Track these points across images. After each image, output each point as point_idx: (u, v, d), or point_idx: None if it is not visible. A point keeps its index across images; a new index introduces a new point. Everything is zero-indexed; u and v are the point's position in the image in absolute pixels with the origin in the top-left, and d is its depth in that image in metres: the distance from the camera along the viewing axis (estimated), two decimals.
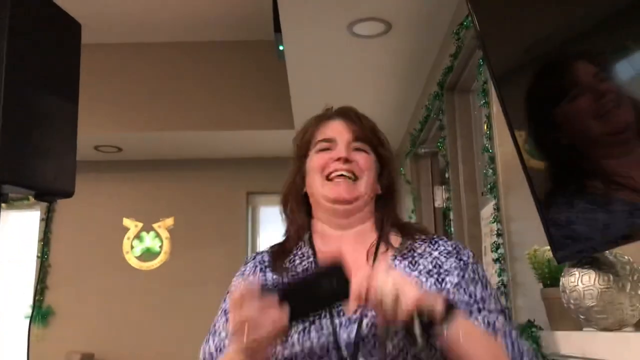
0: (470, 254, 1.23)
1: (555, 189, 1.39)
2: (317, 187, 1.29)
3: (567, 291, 1.37)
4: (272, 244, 1.37)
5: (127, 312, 4.95)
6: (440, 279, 1.17)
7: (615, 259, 1.31)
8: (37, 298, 4.82)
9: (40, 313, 4.82)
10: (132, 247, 5.14)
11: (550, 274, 1.62)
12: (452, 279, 1.16)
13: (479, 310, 1.13)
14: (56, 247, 5.02)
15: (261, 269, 1.29)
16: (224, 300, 1.30)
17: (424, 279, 1.17)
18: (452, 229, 3.00)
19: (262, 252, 1.35)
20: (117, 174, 5.23)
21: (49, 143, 1.84)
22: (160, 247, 5.15)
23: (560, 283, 1.42)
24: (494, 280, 2.20)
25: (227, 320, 1.23)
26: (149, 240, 5.16)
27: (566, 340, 1.51)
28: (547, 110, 1.33)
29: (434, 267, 1.19)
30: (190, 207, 5.20)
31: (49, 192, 1.90)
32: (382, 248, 1.25)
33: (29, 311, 4.72)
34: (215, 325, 1.27)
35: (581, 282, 1.33)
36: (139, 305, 4.98)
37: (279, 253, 1.31)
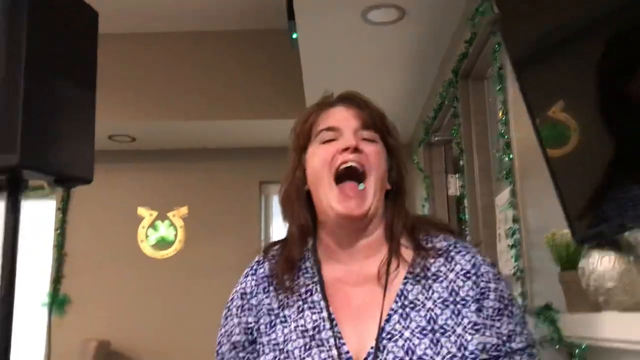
0: (491, 273, 1.13)
1: (581, 171, 1.37)
2: (325, 190, 1.16)
3: (587, 273, 1.38)
4: (274, 244, 1.26)
5: (142, 300, 5.01)
6: (456, 311, 1.09)
7: (635, 240, 1.31)
8: (53, 287, 4.88)
9: (57, 301, 4.88)
10: (147, 236, 5.19)
11: (569, 256, 1.62)
12: (471, 315, 1.08)
13: (506, 354, 1.08)
14: (72, 236, 5.08)
15: (264, 289, 1.20)
16: (225, 318, 1.23)
17: (438, 312, 1.09)
18: (467, 217, 3.01)
19: (263, 261, 1.24)
20: (132, 163, 5.26)
21: (68, 130, 1.86)
22: (175, 235, 5.19)
23: (580, 265, 1.42)
24: (510, 265, 2.21)
25: (232, 347, 1.19)
26: (164, 229, 5.20)
27: (585, 322, 1.51)
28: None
29: (450, 294, 1.10)
30: (204, 196, 5.24)
31: (68, 178, 1.93)
32: (393, 264, 1.15)
33: (47, 300, 4.79)
34: (221, 347, 1.22)
35: (601, 263, 1.33)
36: (154, 293, 5.03)
37: (282, 265, 1.19)
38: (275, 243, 1.26)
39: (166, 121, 4.71)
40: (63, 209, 5.05)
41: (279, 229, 5.19)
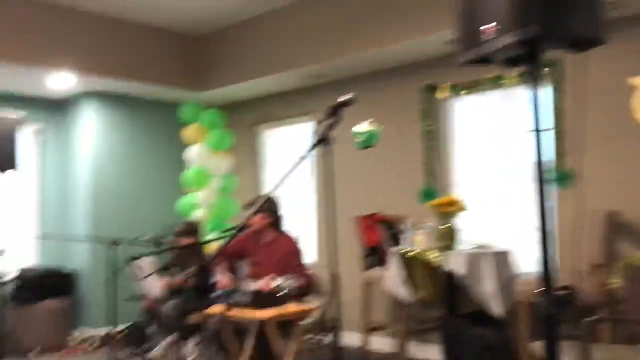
0: None
1: None
2: None
3: None
4: None
5: None
6: None
7: None
8: (557, 162, 5.17)
9: (562, 176, 5.17)
10: None
11: None
12: None
13: None
14: (568, 115, 5.22)
15: None
16: None
17: None
18: None
19: None
20: (614, 31, 4.97)
21: None
22: None
23: None
24: None
25: None
26: None
27: None
28: None
29: None
30: None
31: (582, 42, 2.08)
32: None
33: (552, 175, 5.14)
34: None
35: None
36: None
37: None
38: None
39: None
40: (556, 89, 5.23)
41: None
